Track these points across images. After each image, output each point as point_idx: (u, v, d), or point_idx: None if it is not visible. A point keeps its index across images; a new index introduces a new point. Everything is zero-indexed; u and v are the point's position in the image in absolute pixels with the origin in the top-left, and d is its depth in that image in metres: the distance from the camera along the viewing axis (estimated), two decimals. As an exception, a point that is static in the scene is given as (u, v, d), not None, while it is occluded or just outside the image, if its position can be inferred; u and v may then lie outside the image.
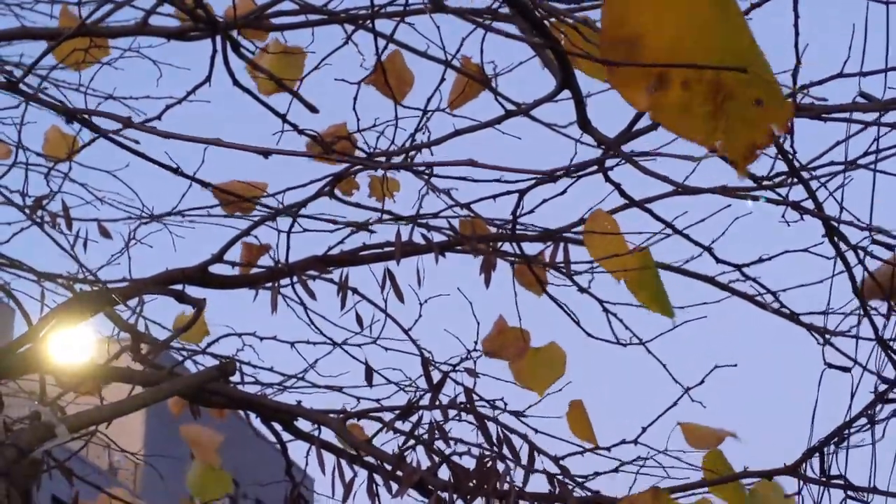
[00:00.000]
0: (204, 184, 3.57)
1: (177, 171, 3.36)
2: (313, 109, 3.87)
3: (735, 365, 3.92)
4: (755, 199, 3.43)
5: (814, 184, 3.17)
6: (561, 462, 3.90)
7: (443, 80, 3.77)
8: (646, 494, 3.40)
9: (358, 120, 3.94)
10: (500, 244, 4.25)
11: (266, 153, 2.82)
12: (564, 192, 3.56)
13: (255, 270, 4.39)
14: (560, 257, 4.24)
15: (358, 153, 4.12)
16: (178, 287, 3.95)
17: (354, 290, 4.25)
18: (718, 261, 3.89)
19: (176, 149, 3.75)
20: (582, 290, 4.38)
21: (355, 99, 3.71)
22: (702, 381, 3.95)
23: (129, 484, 28.81)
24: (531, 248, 4.32)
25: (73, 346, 4.15)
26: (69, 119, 3.34)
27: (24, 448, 2.87)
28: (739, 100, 2.19)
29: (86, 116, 3.36)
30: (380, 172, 4.31)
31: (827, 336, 3.71)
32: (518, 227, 4.00)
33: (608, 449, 3.99)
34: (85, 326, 4.07)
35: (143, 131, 3.12)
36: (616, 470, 3.90)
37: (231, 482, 4.91)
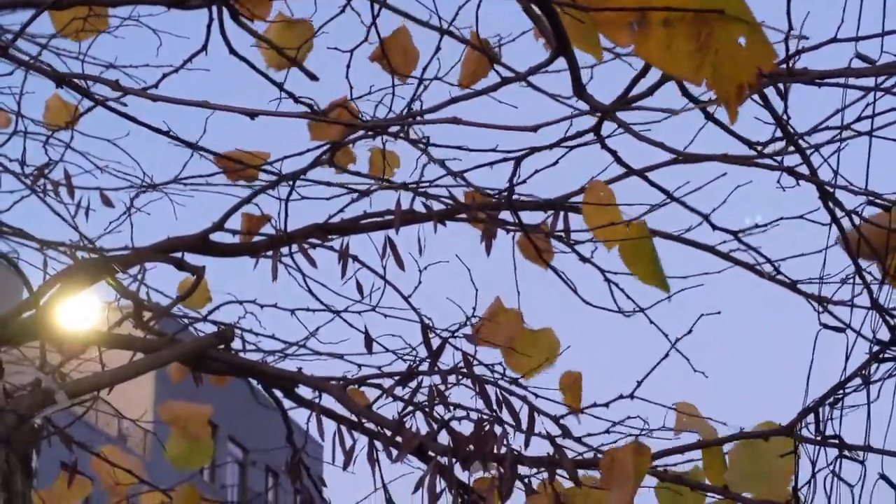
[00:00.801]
0: (194, 146, 3.57)
1: (168, 133, 3.37)
2: (313, 77, 3.89)
3: (719, 312, 3.97)
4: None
5: (810, 151, 3.18)
6: (561, 422, 3.93)
7: (438, 48, 3.78)
8: (627, 449, 3.40)
9: (351, 88, 3.96)
10: (499, 213, 4.26)
11: (253, 114, 2.83)
12: (558, 161, 3.57)
13: (255, 239, 4.41)
14: (560, 226, 4.26)
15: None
16: (178, 255, 3.97)
17: (355, 258, 4.26)
18: (715, 228, 3.90)
19: (175, 119, 3.76)
20: (584, 259, 4.40)
21: (348, 66, 3.72)
22: (689, 332, 4.01)
23: (139, 450, 28.93)
24: (532, 218, 4.34)
25: (76, 313, 4.18)
26: (59, 83, 3.34)
27: (24, 414, 2.90)
28: (723, 39, 2.22)
29: (76, 81, 3.37)
30: (379, 144, 4.32)
31: (824, 304, 3.72)
32: (515, 195, 4.01)
33: (606, 405, 4.01)
34: (87, 294, 4.09)
35: (133, 94, 3.13)
36: (608, 431, 3.92)
37: (211, 451, 4.93)
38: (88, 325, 4.25)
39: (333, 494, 4.53)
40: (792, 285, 4.04)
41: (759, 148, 3.11)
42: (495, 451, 3.60)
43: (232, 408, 24.38)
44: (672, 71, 2.26)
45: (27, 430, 2.90)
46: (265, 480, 35.25)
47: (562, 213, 4.23)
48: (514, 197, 4.03)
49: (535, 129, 2.70)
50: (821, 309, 3.58)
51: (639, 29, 2.22)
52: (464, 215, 4.27)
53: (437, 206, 4.21)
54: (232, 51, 3.26)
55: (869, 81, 3.16)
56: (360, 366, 4.46)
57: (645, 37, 2.23)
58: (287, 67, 3.91)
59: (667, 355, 3.96)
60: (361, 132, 4.04)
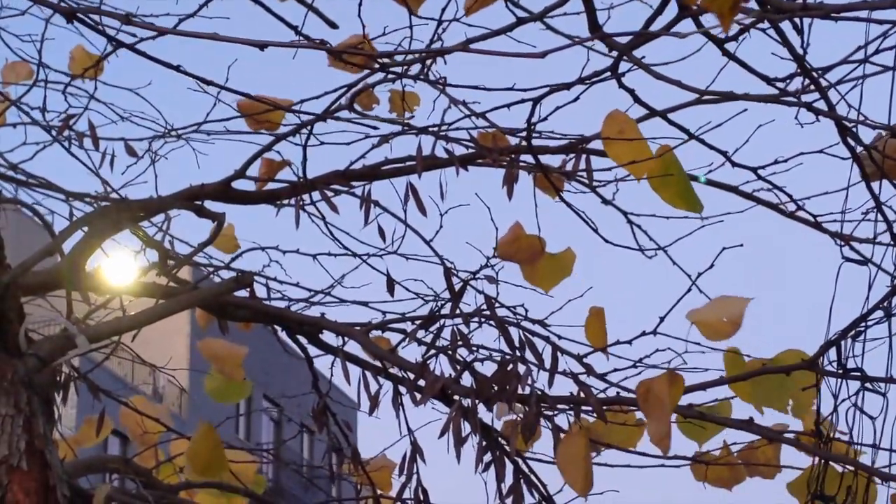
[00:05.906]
0: (209, 82, 3.55)
1: (177, 68, 3.36)
2: (333, 25, 3.86)
3: (741, 245, 3.93)
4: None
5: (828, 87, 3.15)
6: (584, 360, 3.91)
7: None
8: (662, 378, 3.41)
9: (364, 26, 3.94)
10: (519, 156, 4.24)
11: (262, 45, 2.82)
12: (577, 98, 3.55)
13: (277, 186, 4.41)
14: (582, 167, 4.23)
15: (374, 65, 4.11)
16: (199, 202, 3.96)
17: (376, 203, 4.25)
18: (735, 165, 3.87)
19: (191, 67, 3.75)
20: (605, 201, 4.38)
21: (360, 5, 3.70)
22: (711, 266, 3.95)
23: (174, 408, 29.09)
24: (553, 160, 4.33)
25: (101, 263, 4.20)
26: (69, 18, 3.34)
27: (45, 358, 2.92)
28: None
29: (84, 16, 3.36)
30: (398, 86, 4.31)
31: (845, 239, 3.70)
32: (535, 136, 3.99)
33: (629, 342, 3.99)
34: (112, 243, 4.11)
35: (140, 28, 3.14)
36: (635, 365, 3.90)
37: (249, 388, 4.96)
38: (114, 274, 4.27)
39: (365, 444, 4.55)
40: (816, 224, 4.01)
41: (780, 85, 3.08)
42: (519, 390, 3.60)
43: (266, 366, 24.51)
44: None
45: (48, 374, 2.93)
46: (300, 438, 35.42)
47: (584, 156, 4.21)
48: (535, 137, 4.01)
49: (543, 55, 2.68)
50: (843, 243, 3.56)
51: None
52: (485, 159, 4.25)
53: (458, 149, 4.20)
54: (245, -7, 3.25)
55: (891, 14, 3.13)
56: (384, 312, 4.46)
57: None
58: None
59: (689, 291, 3.93)
60: (381, 75, 4.02)
